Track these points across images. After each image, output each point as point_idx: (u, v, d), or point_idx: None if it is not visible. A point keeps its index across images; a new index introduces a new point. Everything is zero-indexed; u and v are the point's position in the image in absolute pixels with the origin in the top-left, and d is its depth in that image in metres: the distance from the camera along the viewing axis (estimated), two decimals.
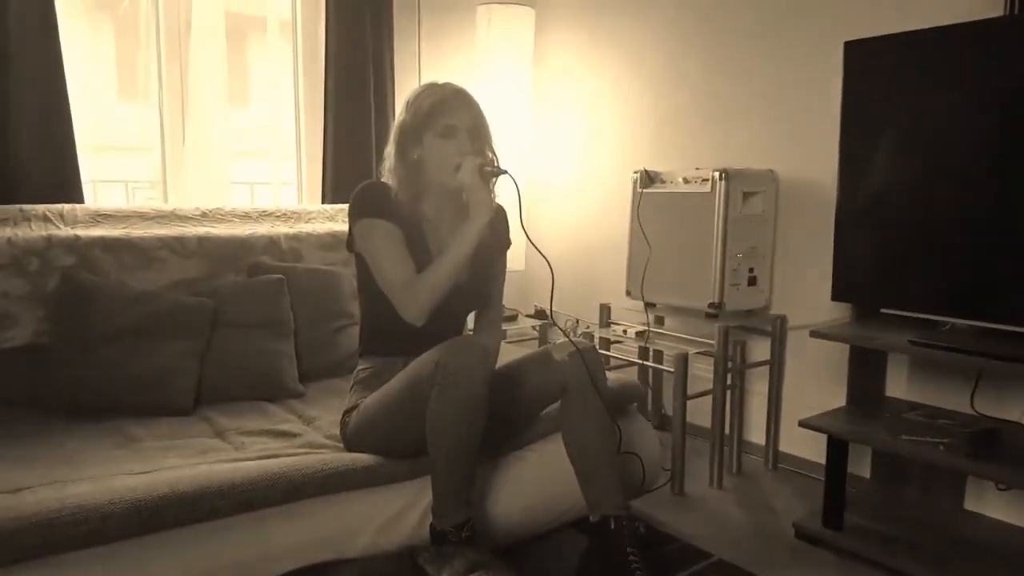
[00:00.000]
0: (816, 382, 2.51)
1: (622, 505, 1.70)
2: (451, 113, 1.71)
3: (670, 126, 2.93)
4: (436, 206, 1.82)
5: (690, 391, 2.38)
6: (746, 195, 2.41)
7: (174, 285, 2.25)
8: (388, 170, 1.78)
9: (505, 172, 1.70)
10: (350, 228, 1.78)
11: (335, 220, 2.68)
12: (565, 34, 3.33)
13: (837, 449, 2.05)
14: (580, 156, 3.31)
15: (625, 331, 2.47)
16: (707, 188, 2.38)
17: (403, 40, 3.05)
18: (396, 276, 1.68)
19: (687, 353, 2.33)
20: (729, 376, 2.45)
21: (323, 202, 2.90)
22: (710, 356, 2.41)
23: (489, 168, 1.70)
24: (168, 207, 2.41)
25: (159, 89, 2.73)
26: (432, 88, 1.77)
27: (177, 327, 2.11)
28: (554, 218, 3.41)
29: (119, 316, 2.05)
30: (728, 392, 2.46)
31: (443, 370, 1.56)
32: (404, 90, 3.09)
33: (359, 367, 1.90)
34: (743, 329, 2.56)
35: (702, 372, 2.53)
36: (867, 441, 2.04)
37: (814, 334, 2.08)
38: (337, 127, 2.89)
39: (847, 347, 2.22)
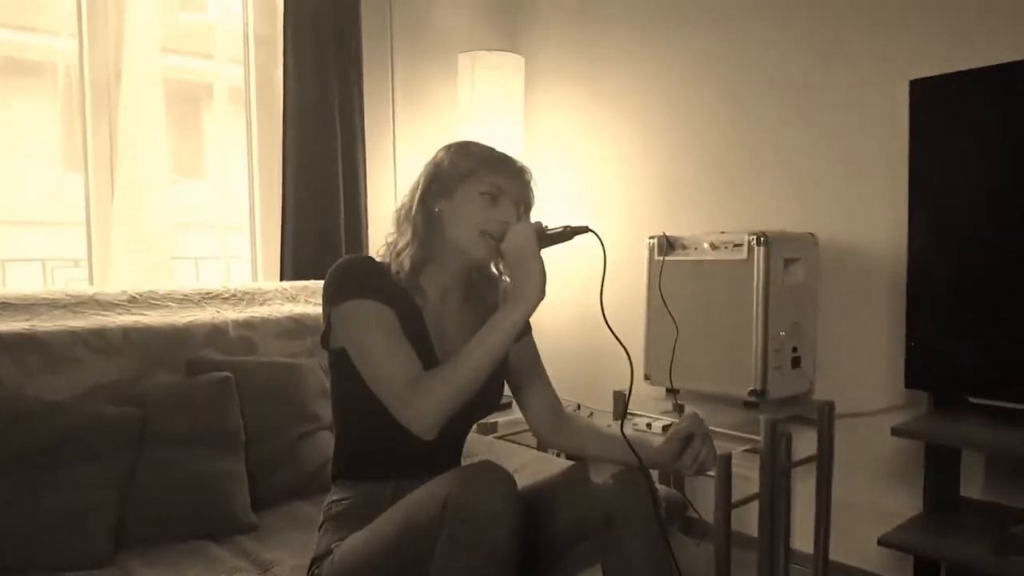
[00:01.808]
0: (868, 479, 2.13)
1: None
2: (503, 175, 1.35)
3: (682, 187, 2.59)
4: (440, 286, 1.42)
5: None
6: (788, 262, 2.06)
7: (92, 391, 1.76)
8: (403, 219, 1.39)
9: (587, 230, 1.32)
10: (326, 316, 1.36)
11: (296, 301, 2.24)
12: (558, 87, 3.00)
13: (927, 573, 1.65)
14: (580, 221, 2.92)
15: (650, 425, 2.07)
16: (742, 255, 2.02)
17: (374, 97, 2.67)
18: (398, 371, 1.25)
19: (730, 453, 1.93)
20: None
21: (282, 279, 2.46)
22: (750, 453, 2.02)
23: (553, 230, 1.31)
24: (87, 291, 1.95)
25: (84, 158, 2.30)
26: (485, 146, 1.42)
27: (92, 448, 1.63)
28: (553, 291, 3.01)
29: (14, 438, 1.56)
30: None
31: (455, 513, 1.13)
32: (377, 152, 2.71)
33: (332, 498, 1.45)
34: (787, 419, 2.17)
35: (738, 470, 2.12)
36: (975, 566, 1.64)
37: (896, 432, 1.70)
38: (298, 195, 2.47)
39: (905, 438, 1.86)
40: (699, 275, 2.13)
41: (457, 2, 2.96)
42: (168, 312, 2.00)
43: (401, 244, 1.38)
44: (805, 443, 2.20)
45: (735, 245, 2.05)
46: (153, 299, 2.02)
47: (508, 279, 1.36)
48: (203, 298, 2.09)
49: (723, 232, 2.11)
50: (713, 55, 2.49)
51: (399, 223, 1.41)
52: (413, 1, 2.80)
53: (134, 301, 1.98)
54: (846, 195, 2.18)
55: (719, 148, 2.49)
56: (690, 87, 2.56)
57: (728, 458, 1.92)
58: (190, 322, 1.97)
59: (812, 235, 2.16)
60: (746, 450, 2.02)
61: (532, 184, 1.40)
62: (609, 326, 1.33)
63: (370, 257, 1.41)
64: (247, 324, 2.06)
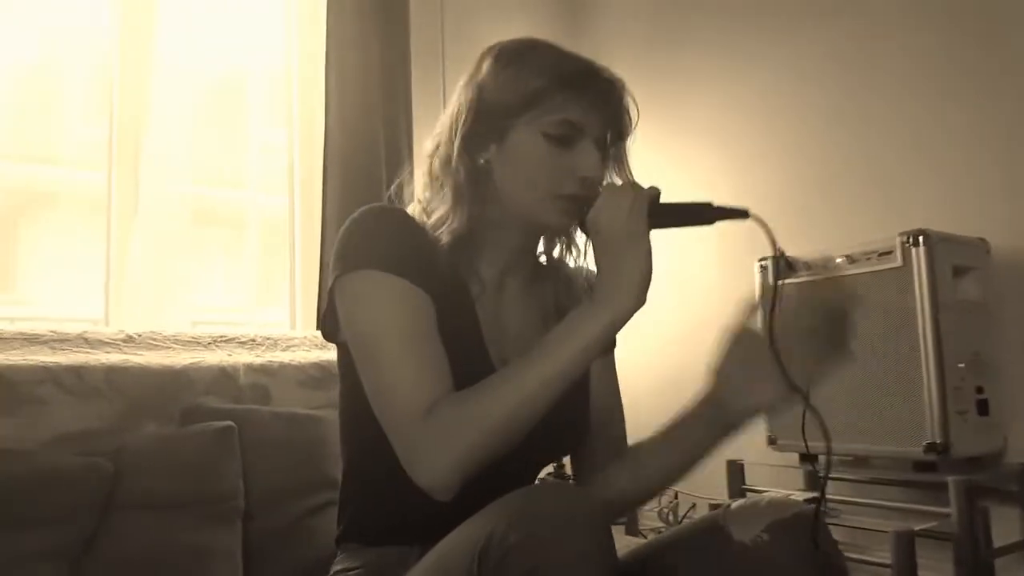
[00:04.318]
0: None
1: None
2: (582, 99, 0.91)
3: (788, 207, 2.11)
4: (498, 265, 0.99)
5: None
6: (956, 271, 1.56)
7: (58, 440, 1.39)
8: (439, 171, 0.96)
9: (745, 214, 0.84)
10: (331, 289, 0.93)
11: (328, 348, 1.85)
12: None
13: None
14: (661, 249, 2.44)
15: None
16: (895, 262, 1.54)
17: (423, 125, 2.38)
18: (412, 390, 0.83)
19: (912, 531, 1.36)
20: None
21: (318, 328, 2.08)
22: (935, 537, 1.44)
23: (673, 205, 0.86)
24: (74, 330, 1.61)
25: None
26: (551, 48, 0.97)
27: (43, 509, 1.25)
28: (634, 334, 2.52)
29: None
30: None
31: (501, 566, 0.68)
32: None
33: (335, 568, 1.00)
34: (980, 489, 1.58)
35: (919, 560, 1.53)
36: None
37: None
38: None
39: None
40: None
41: (510, 32, 2.70)
42: (168, 354, 1.63)
43: (441, 211, 0.95)
44: (1003, 524, 1.59)
45: (882, 253, 1.57)
46: (153, 340, 1.66)
47: (592, 264, 0.93)
48: (214, 341, 1.73)
49: (864, 241, 1.64)
50: (823, 53, 2.09)
51: (432, 177, 1.00)
52: (465, 23, 2.51)
53: (130, 341, 1.63)
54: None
55: (833, 158, 2.03)
56: (793, 93, 2.15)
57: (911, 538, 1.34)
58: (191, 364, 1.60)
59: (984, 241, 1.65)
60: (924, 530, 1.44)
61: (628, 102, 0.96)
62: (783, 369, 0.86)
63: (404, 212, 0.97)
64: (263, 369, 1.67)
